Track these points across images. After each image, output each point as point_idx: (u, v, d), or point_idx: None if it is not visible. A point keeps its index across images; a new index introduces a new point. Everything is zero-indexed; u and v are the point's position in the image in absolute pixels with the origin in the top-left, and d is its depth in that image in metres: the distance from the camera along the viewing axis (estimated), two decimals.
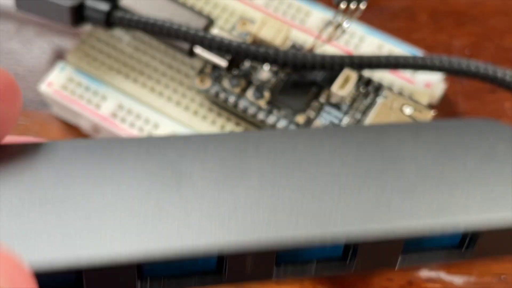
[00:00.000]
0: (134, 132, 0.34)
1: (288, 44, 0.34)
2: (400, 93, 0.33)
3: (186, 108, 0.34)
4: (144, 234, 0.17)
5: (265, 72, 0.34)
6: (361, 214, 0.18)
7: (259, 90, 0.33)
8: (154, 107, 0.34)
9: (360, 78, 0.33)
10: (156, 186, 0.18)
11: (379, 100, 0.32)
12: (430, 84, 0.34)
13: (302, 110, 0.32)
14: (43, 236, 0.16)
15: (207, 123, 0.34)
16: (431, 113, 0.31)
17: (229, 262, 0.17)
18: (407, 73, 0.35)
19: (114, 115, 0.34)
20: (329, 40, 0.32)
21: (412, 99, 0.32)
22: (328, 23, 0.31)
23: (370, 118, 0.31)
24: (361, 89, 0.33)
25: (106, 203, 0.17)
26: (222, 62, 0.33)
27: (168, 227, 0.17)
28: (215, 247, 0.17)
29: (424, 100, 0.34)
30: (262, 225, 0.17)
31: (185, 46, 0.34)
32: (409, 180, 0.19)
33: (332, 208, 0.18)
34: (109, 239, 0.17)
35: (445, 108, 0.37)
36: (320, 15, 0.36)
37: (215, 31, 0.34)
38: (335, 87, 0.32)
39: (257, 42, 0.34)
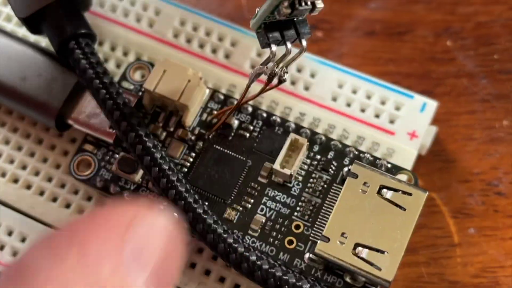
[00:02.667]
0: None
1: (203, 99, 0.23)
2: (374, 163, 0.22)
3: (65, 204, 0.23)
4: None
5: (176, 142, 0.23)
6: None
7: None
8: (16, 208, 0.23)
9: (312, 141, 0.22)
10: None
11: (346, 180, 0.21)
12: (416, 132, 0.24)
13: (234, 200, 0.22)
14: None
15: None
16: (424, 197, 0.20)
17: None
18: (383, 121, 0.24)
19: None
20: (263, 91, 0.21)
21: (394, 169, 0.21)
22: (255, 75, 0.19)
23: (337, 208, 0.20)
24: (318, 156, 0.22)
25: None
26: (107, 135, 0.22)
27: None
28: None
29: (410, 156, 0.23)
30: None
31: (52, 114, 0.22)
32: None
33: None
34: None
35: (437, 155, 0.26)
36: (250, 42, 0.25)
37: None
38: (278, 163, 0.21)
39: (156, 100, 0.22)
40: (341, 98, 0.24)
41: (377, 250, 0.19)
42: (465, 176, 0.25)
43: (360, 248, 0.19)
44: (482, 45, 0.27)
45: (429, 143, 0.25)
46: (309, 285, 0.19)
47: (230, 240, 0.20)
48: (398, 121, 0.24)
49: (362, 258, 0.19)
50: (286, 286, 0.19)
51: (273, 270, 0.19)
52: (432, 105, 0.24)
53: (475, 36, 0.27)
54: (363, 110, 0.24)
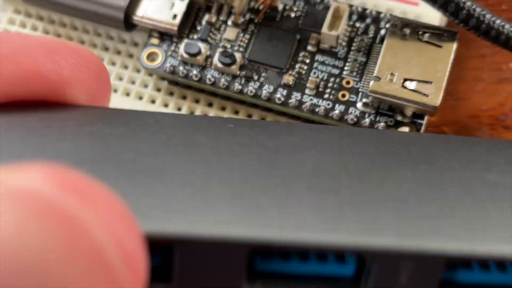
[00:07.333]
0: None
1: None
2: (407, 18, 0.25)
3: (138, 97, 0.26)
4: (260, 215, 0.13)
5: (230, 28, 0.26)
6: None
7: (227, 53, 0.25)
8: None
9: (350, 13, 0.25)
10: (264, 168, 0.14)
11: (386, 31, 0.24)
12: None
13: (289, 67, 0.25)
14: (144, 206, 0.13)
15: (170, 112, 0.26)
16: (456, 35, 0.23)
17: (377, 268, 0.13)
18: None
19: None
20: None
21: (426, 25, 0.24)
22: None
23: (384, 53, 0.23)
24: (357, 24, 0.25)
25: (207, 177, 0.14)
26: (171, 26, 0.25)
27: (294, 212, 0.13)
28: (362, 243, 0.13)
29: (436, 20, 0.26)
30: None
31: (119, 15, 0.25)
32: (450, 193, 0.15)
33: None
34: (214, 215, 0.13)
35: (449, 95, 0.29)
36: None
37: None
38: (325, 27, 0.24)
39: None
40: None
41: (423, 81, 0.22)
42: (475, 112, 0.28)
43: (408, 82, 0.22)
44: None
45: None
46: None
47: None
48: None
49: (410, 90, 0.22)
50: None
51: None
52: None
53: None
54: None
